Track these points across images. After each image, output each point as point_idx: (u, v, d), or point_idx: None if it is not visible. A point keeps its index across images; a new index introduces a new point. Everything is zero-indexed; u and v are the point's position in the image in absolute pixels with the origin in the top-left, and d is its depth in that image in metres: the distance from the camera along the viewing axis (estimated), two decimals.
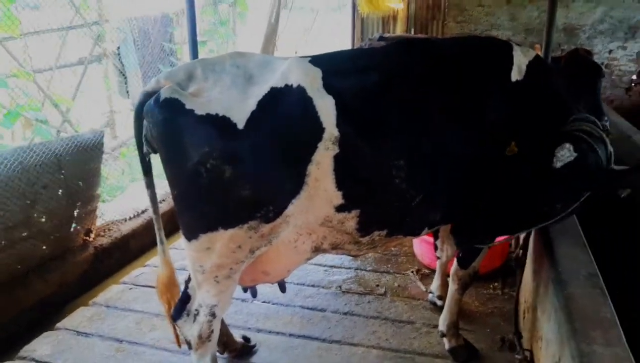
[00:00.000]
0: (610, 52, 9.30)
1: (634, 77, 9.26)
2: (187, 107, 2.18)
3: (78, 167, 4.35)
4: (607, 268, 2.72)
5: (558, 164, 2.45)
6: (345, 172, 2.35)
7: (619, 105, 9.23)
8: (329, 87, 2.30)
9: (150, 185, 2.55)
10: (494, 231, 2.97)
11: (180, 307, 2.75)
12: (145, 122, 2.33)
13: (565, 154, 2.45)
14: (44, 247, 4.16)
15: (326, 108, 2.27)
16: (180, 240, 2.51)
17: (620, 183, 2.44)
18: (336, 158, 2.30)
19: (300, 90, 2.26)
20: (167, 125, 2.21)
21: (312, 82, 2.29)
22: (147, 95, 2.31)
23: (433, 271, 4.10)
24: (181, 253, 2.59)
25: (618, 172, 2.45)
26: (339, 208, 2.44)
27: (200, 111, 2.18)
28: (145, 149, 2.42)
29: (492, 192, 2.74)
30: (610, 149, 2.60)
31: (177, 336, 2.76)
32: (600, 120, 3.04)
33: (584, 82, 4.46)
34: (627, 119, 6.68)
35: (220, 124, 2.18)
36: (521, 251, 3.71)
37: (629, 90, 9.35)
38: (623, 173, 2.44)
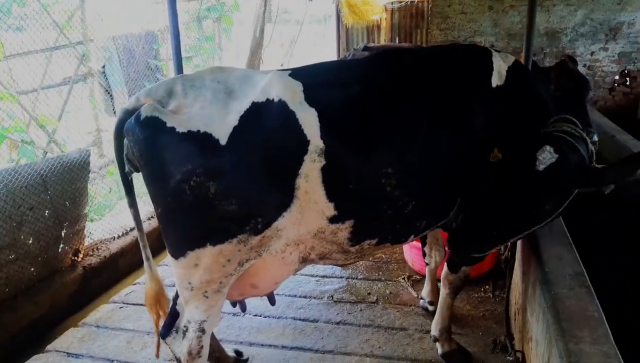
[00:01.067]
0: (592, 53, 9.43)
1: (617, 77, 9.39)
2: (168, 125, 2.17)
3: (64, 187, 4.33)
4: (593, 266, 2.74)
5: (541, 167, 2.47)
6: (334, 183, 2.36)
7: (603, 105, 9.35)
8: (310, 99, 2.31)
9: (132, 204, 2.52)
10: (489, 240, 2.96)
11: (169, 323, 2.73)
12: (126, 141, 2.32)
13: (546, 156, 2.47)
14: (32, 269, 4.12)
15: (309, 121, 2.28)
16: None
17: (604, 181, 2.45)
18: (324, 170, 2.31)
19: (282, 104, 2.27)
20: (149, 143, 2.20)
21: (292, 95, 2.30)
22: (127, 113, 2.29)
23: (424, 277, 4.10)
24: (171, 270, 2.57)
25: (601, 169, 2.47)
26: (332, 220, 2.45)
27: (181, 128, 2.17)
28: (127, 168, 2.41)
29: (481, 199, 2.76)
30: (592, 147, 2.62)
31: (158, 346, 2.71)
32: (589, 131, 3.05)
33: (573, 94, 4.47)
34: (611, 118, 6.76)
35: (202, 140, 2.17)
36: (510, 253, 3.72)
37: (612, 90, 9.47)
38: (606, 170, 2.46)
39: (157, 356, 2.74)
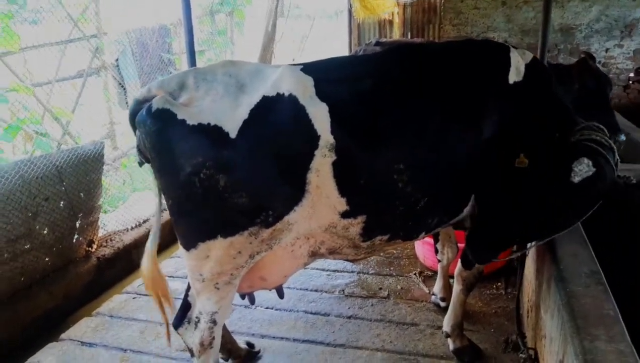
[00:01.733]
0: (607, 50, 9.33)
1: (632, 74, 9.29)
2: (179, 117, 2.18)
3: (79, 178, 4.37)
4: (608, 265, 2.72)
5: (576, 179, 2.44)
6: (346, 178, 2.35)
7: (617, 103, 9.26)
8: (321, 94, 2.31)
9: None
10: (508, 243, 2.94)
11: (181, 315, 2.75)
12: (137, 133, 2.34)
13: (583, 168, 2.43)
14: (47, 259, 4.17)
15: (320, 116, 2.27)
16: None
17: (632, 198, 2.44)
18: (335, 165, 2.30)
19: (292, 98, 2.27)
20: (159, 136, 2.22)
21: (304, 90, 2.29)
22: (139, 103, 2.32)
23: (436, 273, 4.09)
24: (184, 262, 2.59)
25: (632, 186, 2.45)
26: (344, 215, 2.45)
27: (191, 121, 2.18)
28: (139, 159, 2.43)
29: (499, 200, 2.74)
30: (617, 157, 2.60)
31: (168, 333, 2.70)
32: (616, 135, 3.01)
33: (596, 93, 4.32)
34: (625, 116, 6.69)
35: (212, 133, 2.18)
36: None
37: (627, 87, 9.37)
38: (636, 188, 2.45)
39: (169, 344, 2.76)
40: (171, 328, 2.72)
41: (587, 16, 9.20)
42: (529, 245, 3.16)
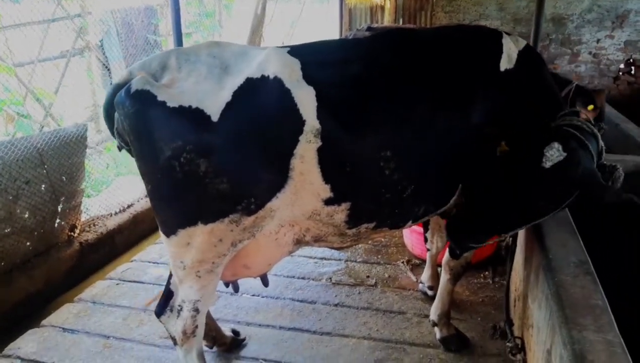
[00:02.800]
0: (598, 41, 9.33)
1: (622, 66, 9.30)
2: (159, 98, 2.10)
3: (61, 161, 4.26)
4: (598, 255, 2.70)
5: (547, 164, 2.37)
6: (331, 165, 2.29)
7: (607, 94, 9.26)
8: (308, 78, 2.23)
9: None
10: (489, 230, 2.91)
11: (164, 303, 2.70)
12: (116, 115, 2.25)
13: (554, 153, 2.37)
14: (28, 243, 4.07)
15: (306, 100, 2.20)
16: None
17: (604, 195, 2.38)
18: (320, 151, 2.24)
19: (278, 81, 2.19)
20: (138, 118, 2.13)
21: (290, 73, 2.22)
22: (118, 88, 2.22)
23: (423, 261, 4.08)
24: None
25: (606, 185, 2.39)
26: (328, 202, 2.39)
27: (172, 103, 2.10)
28: (117, 142, 2.35)
29: (481, 188, 2.70)
30: (602, 143, 2.56)
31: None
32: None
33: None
34: (615, 107, 6.71)
35: (193, 116, 2.10)
36: (511, 239, 3.69)
37: (617, 79, 9.39)
38: (610, 188, 2.38)
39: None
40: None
41: (579, 6, 9.18)
42: (509, 234, 3.12)
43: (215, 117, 2.11)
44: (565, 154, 2.34)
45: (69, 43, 6.26)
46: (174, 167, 2.12)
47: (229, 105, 2.13)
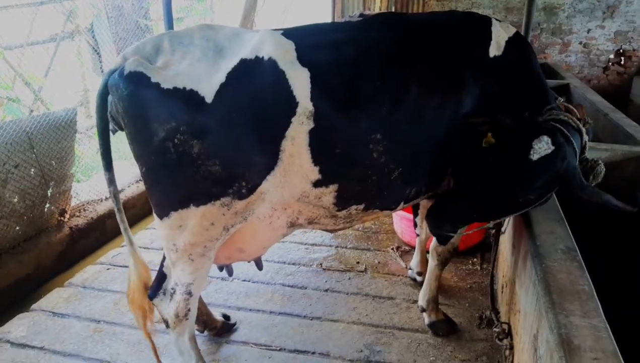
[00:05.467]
0: (588, 31, 9.36)
1: (612, 56, 9.35)
2: (153, 80, 2.09)
3: (50, 145, 4.24)
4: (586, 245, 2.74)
5: (535, 156, 2.39)
6: (321, 147, 2.30)
7: (596, 84, 9.35)
8: (303, 60, 2.23)
9: (112, 181, 2.41)
10: (463, 218, 2.89)
11: (157, 285, 2.70)
12: (110, 98, 2.23)
13: (542, 146, 2.38)
14: (17, 228, 4.05)
15: (300, 82, 2.20)
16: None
17: (584, 193, 2.42)
18: (311, 133, 2.24)
19: (272, 62, 2.19)
20: (132, 99, 2.12)
21: (284, 54, 2.21)
22: (113, 74, 2.20)
23: (413, 248, 4.11)
24: (159, 233, 2.53)
25: (587, 185, 2.42)
26: (316, 184, 2.40)
27: (166, 85, 2.09)
28: (111, 126, 2.33)
29: (466, 174, 2.71)
30: (586, 138, 2.58)
31: (154, 350, 2.74)
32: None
33: None
34: (604, 97, 6.74)
35: (187, 97, 2.10)
36: (494, 229, 3.72)
37: (607, 69, 9.45)
38: (591, 187, 2.42)
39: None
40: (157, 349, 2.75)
41: None
42: (492, 223, 3.12)
43: (209, 99, 2.11)
44: (553, 148, 2.37)
45: (59, 26, 6.17)
46: (167, 149, 2.12)
47: (223, 87, 2.12)
